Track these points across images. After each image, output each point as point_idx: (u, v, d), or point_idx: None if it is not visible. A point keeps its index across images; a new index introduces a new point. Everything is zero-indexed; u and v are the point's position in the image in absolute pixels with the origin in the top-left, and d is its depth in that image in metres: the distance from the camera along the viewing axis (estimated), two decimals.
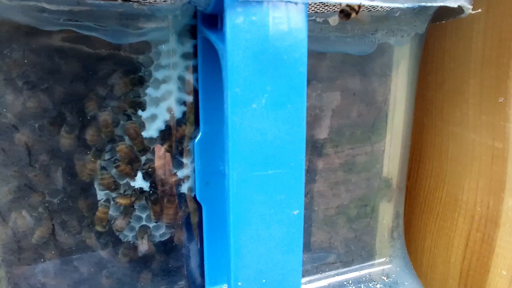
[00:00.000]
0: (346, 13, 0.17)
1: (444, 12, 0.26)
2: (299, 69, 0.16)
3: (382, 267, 0.29)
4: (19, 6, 0.18)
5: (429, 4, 0.18)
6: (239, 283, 0.17)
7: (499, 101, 0.31)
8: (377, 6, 0.22)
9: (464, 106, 0.34)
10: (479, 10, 0.23)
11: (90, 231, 0.23)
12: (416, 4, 0.18)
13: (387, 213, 0.30)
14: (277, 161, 0.16)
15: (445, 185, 0.37)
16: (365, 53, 0.26)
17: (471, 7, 0.21)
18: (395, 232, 0.30)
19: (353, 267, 0.29)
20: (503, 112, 0.31)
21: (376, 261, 0.30)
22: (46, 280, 0.22)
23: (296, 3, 0.15)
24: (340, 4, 0.17)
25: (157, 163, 0.22)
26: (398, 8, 0.24)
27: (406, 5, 0.17)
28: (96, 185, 0.22)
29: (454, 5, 0.19)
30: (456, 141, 0.35)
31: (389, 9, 0.24)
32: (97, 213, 0.22)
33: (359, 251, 0.29)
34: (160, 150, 0.22)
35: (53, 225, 0.22)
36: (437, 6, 0.19)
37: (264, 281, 0.17)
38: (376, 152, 0.29)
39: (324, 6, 0.18)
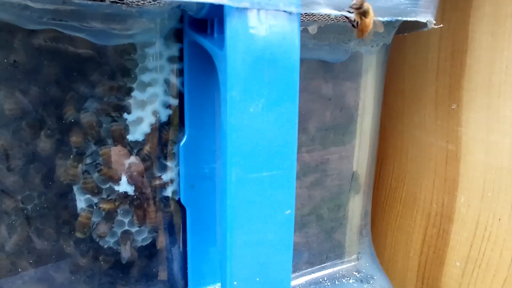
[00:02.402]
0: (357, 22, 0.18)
1: (408, 25, 0.28)
2: (292, 74, 0.17)
3: (353, 263, 0.31)
4: (1, 3, 0.17)
5: (404, 19, 0.20)
6: (235, 283, 0.17)
7: (452, 107, 0.34)
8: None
9: (421, 112, 0.37)
10: (441, 25, 0.25)
11: (69, 238, 0.22)
12: (394, 18, 0.19)
13: (356, 212, 0.32)
14: (271, 163, 0.17)
15: (405, 185, 0.40)
16: (339, 61, 0.27)
17: (434, 22, 0.24)
18: (364, 230, 0.32)
19: (326, 264, 0.30)
20: (456, 118, 0.34)
21: (347, 258, 0.31)
22: None
23: (290, 13, 0.16)
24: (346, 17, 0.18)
25: (114, 166, 0.21)
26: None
27: (385, 19, 0.19)
28: (76, 191, 0.22)
29: (423, 20, 0.21)
30: (415, 144, 0.38)
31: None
32: (80, 218, 0.21)
33: (332, 249, 0.31)
34: (117, 152, 0.21)
35: (28, 232, 0.21)
36: (408, 20, 0.21)
37: (257, 279, 0.18)
38: (347, 154, 0.30)
39: (312, 16, 0.20)
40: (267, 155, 0.17)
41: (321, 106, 0.27)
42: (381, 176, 0.42)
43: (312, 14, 0.18)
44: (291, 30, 0.16)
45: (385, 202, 0.42)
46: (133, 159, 0.22)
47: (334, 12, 0.17)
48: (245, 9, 0.15)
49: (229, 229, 0.17)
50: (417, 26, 0.27)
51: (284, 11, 0.16)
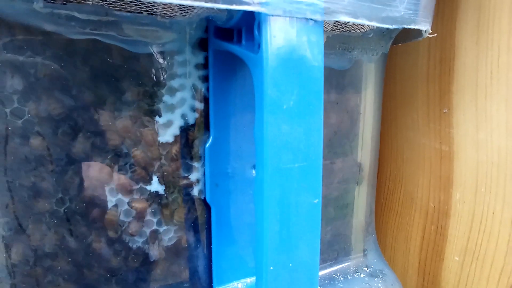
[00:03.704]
0: None
1: (404, 36, 0.31)
2: (317, 74, 0.19)
3: (361, 259, 0.33)
4: (49, 14, 0.19)
5: (407, 27, 0.22)
6: (271, 268, 0.19)
7: (444, 111, 0.37)
8: (361, 27, 0.26)
9: (414, 115, 0.40)
10: (435, 34, 0.28)
11: (100, 238, 0.23)
12: (400, 26, 0.22)
13: (362, 210, 0.34)
14: (301, 155, 0.19)
15: (402, 186, 0.42)
16: (344, 68, 0.30)
17: (430, 30, 0.26)
18: (370, 228, 0.34)
19: (337, 261, 0.32)
20: (447, 120, 0.37)
21: (356, 255, 0.33)
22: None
23: (315, 21, 0.18)
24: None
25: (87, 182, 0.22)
26: (372, 30, 0.28)
27: (393, 26, 0.21)
28: (108, 191, 0.23)
29: (423, 28, 0.23)
30: (409, 145, 0.41)
31: (365, 31, 0.28)
32: (107, 216, 0.22)
33: (341, 246, 0.32)
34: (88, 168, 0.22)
35: (62, 233, 0.22)
36: (409, 27, 0.23)
37: (290, 265, 0.19)
38: (353, 154, 0.32)
39: (330, 24, 0.22)
40: (297, 147, 0.19)
41: (330, 110, 0.30)
42: (379, 178, 0.44)
43: (336, 22, 0.21)
44: (316, 35, 0.18)
45: (384, 203, 0.44)
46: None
47: (352, 20, 0.19)
48: (278, 17, 0.17)
49: (265, 217, 0.19)
50: (412, 36, 0.30)
51: (311, 18, 0.18)
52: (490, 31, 0.33)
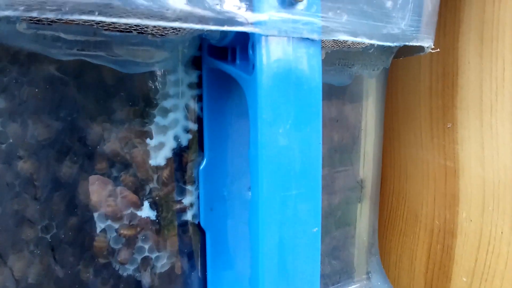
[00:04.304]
0: None
1: (406, 50, 0.30)
2: (315, 96, 0.18)
3: (365, 282, 0.31)
4: (34, 35, 0.18)
5: (410, 44, 0.21)
6: None
7: (448, 126, 0.36)
8: (361, 43, 0.25)
9: (417, 131, 0.39)
10: (438, 50, 0.27)
11: (89, 267, 0.22)
12: (401, 43, 0.21)
13: (364, 230, 0.33)
14: (299, 182, 0.18)
15: (406, 203, 0.41)
16: (344, 84, 0.29)
17: (433, 46, 0.25)
18: (373, 248, 0.33)
19: (341, 284, 0.30)
20: (451, 136, 0.36)
21: (360, 277, 0.32)
22: None
23: (313, 40, 0.17)
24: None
25: (93, 196, 0.21)
26: (373, 45, 0.27)
27: (395, 44, 0.20)
28: (97, 217, 0.22)
29: (426, 45, 0.22)
30: (413, 162, 0.40)
31: (364, 46, 0.27)
32: (95, 243, 0.21)
33: (344, 268, 0.31)
34: (94, 181, 0.21)
35: (48, 261, 0.21)
36: (411, 45, 0.22)
37: None
38: (354, 171, 0.31)
39: (327, 42, 0.21)
40: (295, 174, 0.18)
41: (330, 127, 0.29)
42: (382, 195, 0.43)
43: (333, 40, 0.20)
44: (314, 55, 0.18)
45: (387, 220, 0.43)
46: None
47: (351, 38, 0.18)
48: (273, 37, 0.17)
49: (261, 248, 0.17)
50: (414, 50, 0.29)
51: (307, 38, 0.17)
52: (495, 45, 0.32)
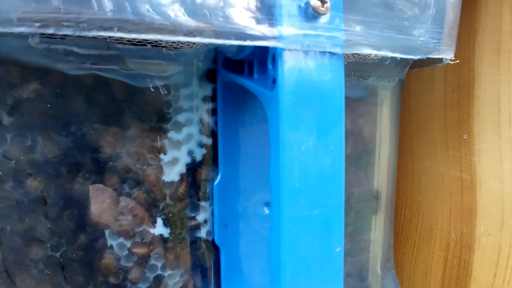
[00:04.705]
0: None
1: (423, 61, 0.30)
2: (338, 111, 0.17)
3: None
4: (46, 49, 0.17)
5: (431, 56, 0.21)
6: None
7: (464, 138, 0.35)
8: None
9: (431, 143, 0.38)
10: (457, 61, 0.27)
11: (100, 285, 0.21)
12: (424, 56, 0.20)
13: (379, 244, 0.32)
14: (322, 201, 0.17)
15: (419, 215, 0.40)
16: (359, 96, 0.28)
17: (453, 58, 0.25)
18: (388, 264, 0.32)
19: None
20: (468, 148, 0.35)
21: None
22: None
23: (335, 54, 0.17)
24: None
25: (94, 207, 0.20)
26: (389, 57, 0.27)
27: (417, 57, 0.20)
28: (108, 235, 0.21)
29: (448, 57, 0.22)
30: (427, 174, 0.39)
31: (381, 58, 0.26)
32: (103, 261, 0.20)
33: (359, 285, 0.30)
34: (96, 191, 0.20)
35: (58, 280, 0.20)
36: (433, 57, 0.22)
37: None
38: (369, 184, 0.30)
39: (349, 54, 0.20)
40: (317, 192, 0.17)
41: (346, 140, 0.28)
42: (395, 207, 0.42)
43: (356, 54, 0.19)
44: (337, 70, 0.17)
45: (400, 233, 0.42)
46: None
47: (374, 52, 0.18)
48: (295, 51, 0.16)
49: (282, 267, 0.17)
50: (432, 61, 0.29)
51: (330, 52, 0.17)
52: None
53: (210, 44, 0.16)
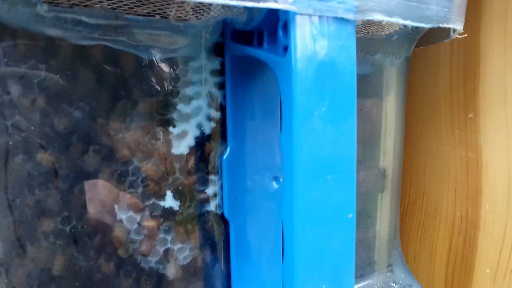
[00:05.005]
0: None
1: (429, 37, 0.30)
2: (350, 77, 0.17)
3: (388, 275, 0.31)
4: (55, 18, 0.17)
5: (443, 25, 0.20)
6: None
7: (469, 116, 0.35)
8: (385, 28, 0.24)
9: (437, 123, 0.38)
10: (465, 35, 0.26)
11: (110, 259, 0.21)
12: (435, 25, 0.20)
13: (385, 222, 0.32)
14: (334, 166, 0.17)
15: (424, 195, 0.40)
16: (367, 72, 0.28)
17: (461, 31, 0.25)
18: (395, 241, 0.32)
19: (364, 277, 0.29)
20: (473, 126, 0.35)
21: (383, 270, 0.31)
22: None
23: (347, 20, 0.17)
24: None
25: (89, 205, 0.20)
26: (396, 32, 0.26)
27: (429, 25, 0.19)
28: (117, 209, 0.21)
29: (458, 27, 0.22)
30: (432, 154, 0.39)
31: (389, 33, 0.26)
32: (113, 234, 0.20)
33: (367, 261, 0.30)
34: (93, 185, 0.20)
35: (70, 254, 0.20)
36: (445, 26, 0.21)
37: (324, 286, 0.17)
38: (375, 161, 0.30)
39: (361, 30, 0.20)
40: (330, 158, 0.17)
41: None
42: (401, 189, 0.42)
43: (361, 25, 0.19)
44: (348, 36, 0.17)
45: (405, 214, 0.42)
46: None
47: (386, 19, 0.17)
48: (307, 16, 0.16)
49: (296, 234, 0.17)
50: (438, 37, 0.29)
51: (342, 18, 0.17)
52: None
53: (216, 9, 0.16)
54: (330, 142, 0.17)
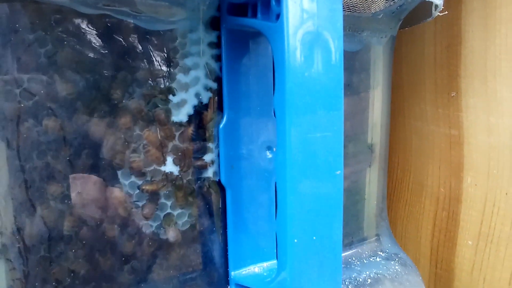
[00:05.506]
0: None
1: (413, 17, 0.31)
2: (337, 41, 0.18)
3: (375, 244, 0.32)
4: None
5: None
6: (295, 240, 0.18)
7: (452, 95, 0.37)
8: (371, 6, 0.26)
9: (422, 103, 0.40)
10: (446, 12, 0.28)
11: (113, 222, 0.22)
12: None
13: (374, 195, 0.33)
14: (323, 125, 0.18)
15: (411, 174, 0.42)
16: (354, 50, 0.29)
17: (442, 7, 0.26)
18: (383, 213, 0.34)
19: (353, 246, 0.31)
20: (456, 104, 0.37)
21: (370, 239, 0.33)
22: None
23: None
24: None
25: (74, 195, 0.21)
26: (382, 11, 0.28)
27: None
28: (120, 175, 0.22)
29: (438, 1, 0.23)
30: (418, 134, 0.41)
31: (375, 11, 0.28)
32: (119, 199, 0.22)
33: (356, 231, 0.32)
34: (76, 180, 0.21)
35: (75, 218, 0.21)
36: (423, 1, 0.23)
37: (314, 238, 0.19)
38: (364, 137, 0.32)
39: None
40: (319, 116, 0.18)
41: None
42: (388, 168, 0.44)
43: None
44: (335, 3, 0.18)
45: (392, 193, 0.44)
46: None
47: None
48: None
49: (288, 189, 0.18)
50: (421, 17, 0.30)
51: None
52: (498, 15, 0.33)
53: None
54: (319, 102, 0.18)
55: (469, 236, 0.37)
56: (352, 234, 0.31)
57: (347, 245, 0.31)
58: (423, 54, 0.39)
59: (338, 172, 0.19)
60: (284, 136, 0.18)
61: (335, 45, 0.18)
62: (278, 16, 0.18)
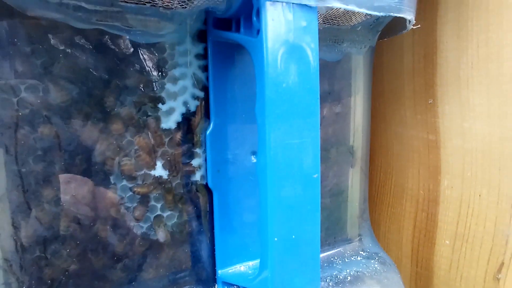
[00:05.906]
0: None
1: (390, 29, 0.33)
2: (313, 55, 0.20)
3: (357, 244, 0.34)
4: (58, 3, 0.20)
5: (394, 15, 0.24)
6: (276, 239, 0.20)
7: (429, 102, 0.39)
8: (349, 19, 0.27)
9: (402, 109, 0.42)
10: (419, 26, 0.30)
11: (106, 224, 0.23)
12: (387, 14, 0.23)
13: (356, 197, 0.35)
14: (300, 132, 0.20)
15: (393, 177, 0.44)
16: (335, 60, 0.31)
17: (414, 21, 0.28)
18: (364, 215, 0.35)
19: (335, 245, 0.33)
20: (433, 111, 0.39)
21: (352, 240, 0.34)
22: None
23: (310, 6, 0.20)
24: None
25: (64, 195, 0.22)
26: (360, 24, 0.30)
27: (381, 14, 0.23)
28: (112, 179, 0.23)
29: (409, 17, 0.25)
30: (398, 139, 0.43)
31: (353, 24, 0.30)
32: (112, 201, 0.23)
33: (338, 232, 0.34)
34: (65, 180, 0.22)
35: (68, 220, 0.22)
36: (396, 15, 0.25)
37: (293, 236, 0.20)
38: (346, 140, 0.34)
39: (323, 17, 0.23)
40: (297, 124, 0.20)
41: (323, 99, 0.31)
42: (371, 172, 0.46)
43: (326, 13, 0.22)
44: (311, 19, 0.20)
45: (376, 196, 0.46)
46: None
47: (343, 6, 0.21)
48: (276, 2, 0.19)
49: (269, 191, 0.20)
50: (397, 29, 0.32)
51: (306, 4, 0.20)
52: (470, 27, 0.35)
53: (196, 2, 0.19)
54: (296, 110, 0.20)
55: (446, 236, 0.39)
56: (335, 234, 0.33)
57: (330, 244, 0.33)
58: (402, 62, 0.41)
59: (315, 176, 0.21)
60: (265, 142, 0.19)
61: (311, 58, 0.20)
62: (258, 31, 0.20)
